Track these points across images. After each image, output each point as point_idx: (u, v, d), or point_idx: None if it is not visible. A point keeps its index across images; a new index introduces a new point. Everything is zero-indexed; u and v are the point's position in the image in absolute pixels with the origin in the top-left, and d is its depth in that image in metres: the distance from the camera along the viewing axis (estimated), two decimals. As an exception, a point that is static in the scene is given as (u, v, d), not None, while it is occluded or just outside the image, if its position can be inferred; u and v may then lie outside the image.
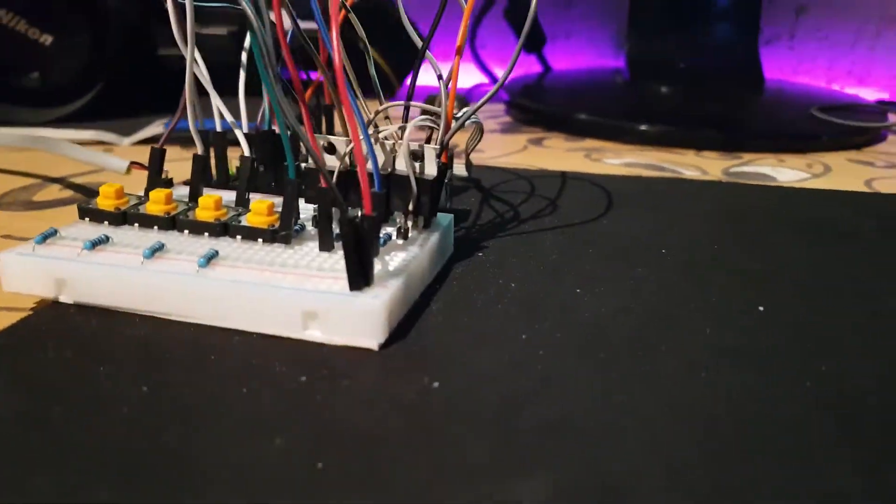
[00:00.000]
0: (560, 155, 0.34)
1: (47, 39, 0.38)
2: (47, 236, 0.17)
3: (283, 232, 0.17)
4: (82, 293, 0.16)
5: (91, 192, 0.26)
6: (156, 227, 0.18)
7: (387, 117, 0.20)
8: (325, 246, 0.17)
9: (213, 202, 0.18)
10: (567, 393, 0.14)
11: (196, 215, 0.18)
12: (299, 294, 0.15)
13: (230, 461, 0.12)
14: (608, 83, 0.48)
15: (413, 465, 0.12)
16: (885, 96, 0.51)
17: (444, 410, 0.13)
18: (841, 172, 0.32)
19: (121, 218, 0.18)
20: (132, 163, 0.22)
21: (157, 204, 0.18)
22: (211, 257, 0.16)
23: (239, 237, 0.17)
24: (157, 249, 0.17)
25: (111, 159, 0.23)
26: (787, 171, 0.32)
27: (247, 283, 0.15)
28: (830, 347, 0.16)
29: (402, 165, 0.18)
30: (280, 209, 0.17)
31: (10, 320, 0.16)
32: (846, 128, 0.38)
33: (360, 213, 0.15)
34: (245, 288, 0.15)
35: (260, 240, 0.17)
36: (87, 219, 0.18)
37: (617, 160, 0.33)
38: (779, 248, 0.22)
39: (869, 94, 0.50)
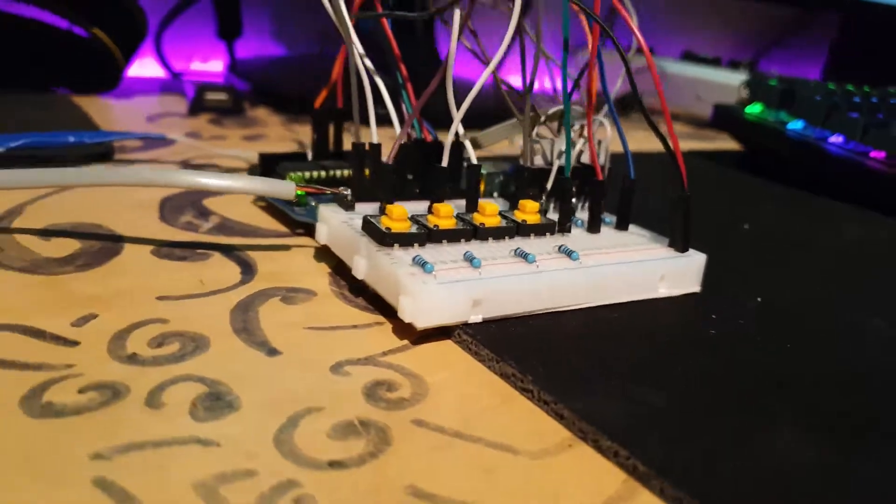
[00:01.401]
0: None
1: None
2: (423, 264, 0.16)
3: (568, 224, 0.20)
4: (492, 308, 0.17)
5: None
6: (462, 240, 0.19)
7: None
8: (595, 228, 0.21)
9: (490, 209, 0.19)
10: None
11: (481, 220, 0.19)
12: (655, 263, 0.19)
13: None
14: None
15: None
16: None
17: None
18: None
19: (426, 237, 0.18)
20: (298, 185, 0.20)
21: (444, 218, 0.19)
22: (569, 253, 0.19)
23: (526, 236, 0.20)
24: (524, 256, 0.18)
25: (276, 184, 0.19)
26: None
27: (626, 263, 0.19)
28: None
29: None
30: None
31: (455, 349, 0.16)
32: None
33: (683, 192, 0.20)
34: (627, 268, 0.19)
35: (547, 234, 0.20)
36: (395, 245, 0.18)
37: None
38: None
39: None
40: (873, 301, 0.22)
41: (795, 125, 0.39)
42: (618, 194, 0.21)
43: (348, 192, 0.20)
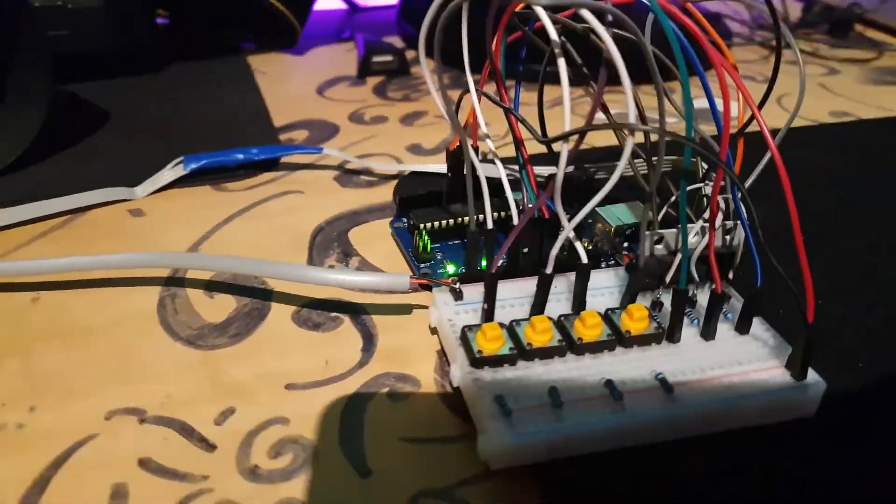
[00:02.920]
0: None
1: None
2: (503, 405, 0.18)
3: (677, 335, 0.20)
4: (572, 449, 0.18)
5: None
6: (555, 357, 0.19)
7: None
8: (709, 334, 0.20)
9: (592, 320, 0.19)
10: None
11: (581, 334, 0.19)
12: (764, 395, 0.19)
13: None
14: None
15: None
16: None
17: None
18: None
19: (518, 357, 0.19)
20: (411, 277, 0.21)
21: (540, 334, 0.19)
22: (666, 384, 0.18)
23: (628, 347, 0.20)
24: (612, 390, 0.18)
25: (389, 278, 0.21)
26: None
27: (730, 398, 0.18)
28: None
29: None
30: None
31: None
32: None
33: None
34: (729, 403, 0.18)
35: (653, 344, 0.20)
36: (485, 367, 0.19)
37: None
38: None
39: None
40: None
41: None
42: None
43: (458, 284, 0.21)
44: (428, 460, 0.18)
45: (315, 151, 0.30)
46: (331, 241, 0.27)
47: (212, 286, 0.24)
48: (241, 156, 0.30)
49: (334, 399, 0.20)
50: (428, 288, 0.22)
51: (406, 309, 0.23)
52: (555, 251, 0.19)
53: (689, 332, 0.20)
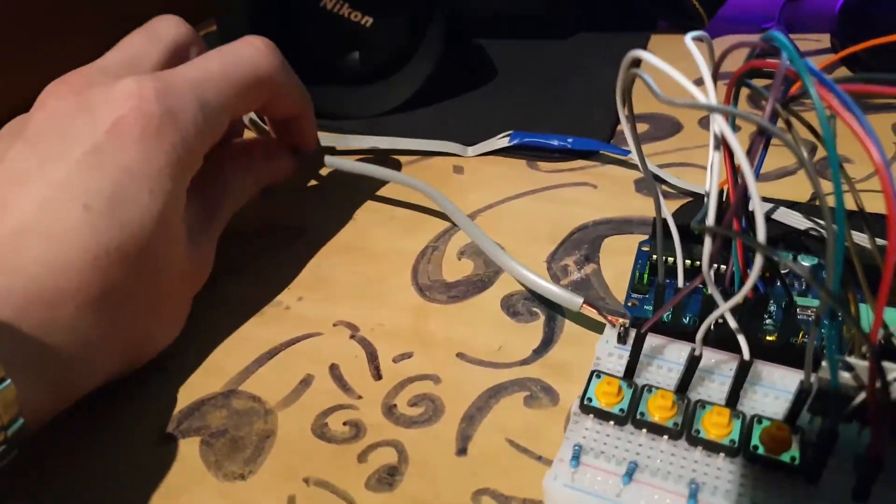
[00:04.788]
0: None
1: (368, 21, 0.37)
2: (576, 455, 0.18)
3: (817, 476, 0.17)
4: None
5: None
6: (665, 437, 0.19)
7: None
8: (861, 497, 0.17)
9: (720, 419, 0.18)
10: None
11: (708, 430, 0.18)
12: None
13: None
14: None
15: None
16: None
17: None
18: None
19: (626, 419, 0.19)
20: (584, 301, 0.22)
21: (661, 410, 0.19)
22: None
23: (750, 462, 0.18)
24: (691, 484, 0.17)
25: (564, 294, 0.23)
26: None
27: None
28: None
29: None
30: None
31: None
32: None
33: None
34: None
35: (781, 474, 0.18)
36: (591, 415, 0.19)
37: None
38: None
39: None
40: None
41: None
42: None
43: (625, 325, 0.21)
44: (514, 466, 0.20)
45: (622, 153, 0.31)
46: (583, 243, 0.28)
47: (465, 251, 0.28)
48: (556, 142, 0.33)
49: (483, 380, 0.23)
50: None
51: (598, 327, 0.24)
52: (701, 333, 0.18)
53: (840, 476, 0.17)
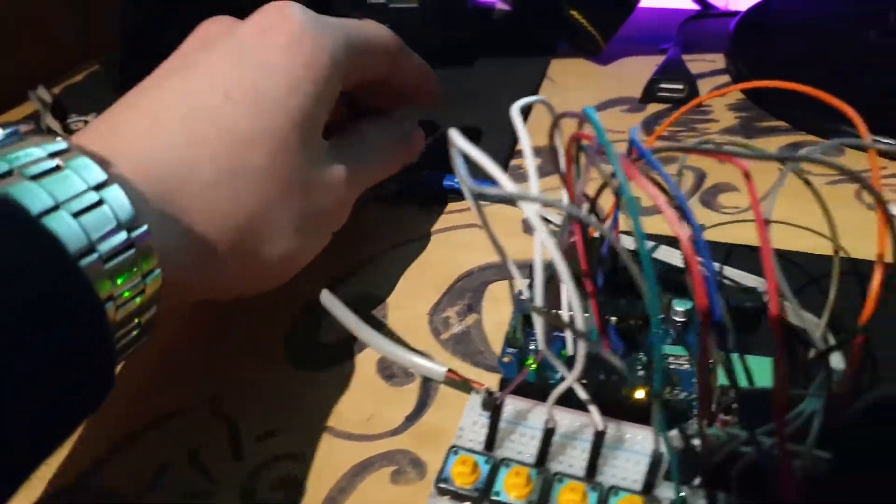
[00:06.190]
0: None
1: None
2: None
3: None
4: None
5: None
6: (520, 516, 0.18)
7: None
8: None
9: (573, 495, 0.17)
10: None
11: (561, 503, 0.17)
12: None
13: None
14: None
15: None
16: None
17: None
18: None
19: (480, 499, 0.18)
20: (449, 370, 0.21)
21: (516, 488, 0.18)
22: None
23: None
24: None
25: (427, 364, 0.22)
26: None
27: None
28: None
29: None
30: None
31: None
32: None
33: None
34: None
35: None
36: (447, 497, 0.18)
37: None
38: None
39: None
40: None
41: None
42: None
43: (489, 392, 0.20)
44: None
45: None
46: (467, 291, 0.27)
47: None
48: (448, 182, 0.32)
49: (350, 456, 0.22)
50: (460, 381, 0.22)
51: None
52: (550, 403, 0.18)
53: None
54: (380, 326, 0.26)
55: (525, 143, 0.15)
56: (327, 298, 0.24)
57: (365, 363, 0.25)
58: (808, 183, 0.17)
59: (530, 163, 0.15)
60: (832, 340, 0.20)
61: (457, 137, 0.14)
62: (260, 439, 0.22)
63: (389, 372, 0.24)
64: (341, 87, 0.25)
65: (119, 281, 0.17)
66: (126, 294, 0.17)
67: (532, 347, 0.23)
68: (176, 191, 0.20)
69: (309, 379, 0.24)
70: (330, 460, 0.22)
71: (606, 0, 0.42)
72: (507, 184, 0.14)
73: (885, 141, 0.31)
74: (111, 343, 0.17)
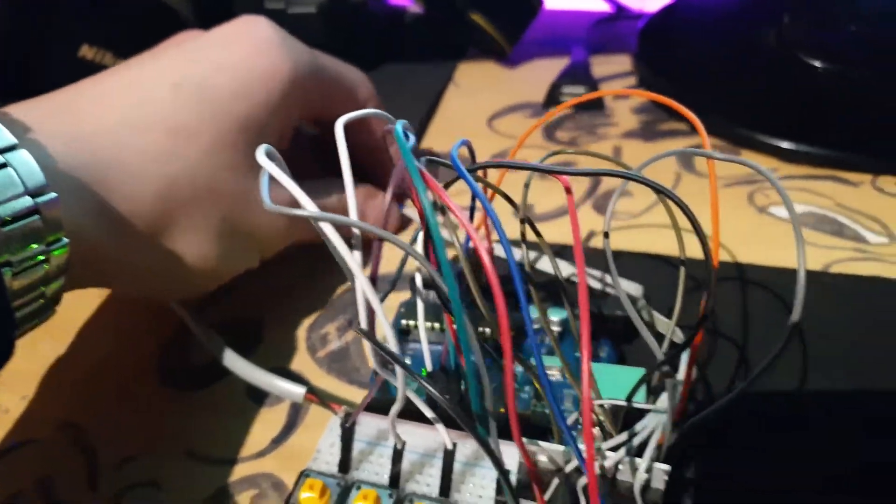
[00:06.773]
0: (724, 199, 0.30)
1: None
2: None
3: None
4: None
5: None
6: (369, 540, 0.17)
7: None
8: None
9: None
10: None
11: None
12: None
13: None
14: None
15: None
16: None
17: None
18: None
19: (328, 527, 0.17)
20: (308, 392, 0.21)
21: (362, 507, 0.17)
22: None
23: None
24: None
25: (285, 385, 0.21)
26: None
27: None
28: None
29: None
30: None
31: None
32: None
33: None
34: None
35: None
36: (297, 525, 0.18)
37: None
38: None
39: None
40: None
41: None
42: None
43: (345, 412, 0.20)
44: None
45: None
46: (349, 305, 0.27)
47: (221, 323, 0.26)
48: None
49: (211, 481, 0.21)
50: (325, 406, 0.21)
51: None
52: (392, 414, 0.17)
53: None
54: (255, 345, 0.25)
55: (344, 160, 0.15)
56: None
57: (235, 384, 0.24)
58: (658, 192, 0.16)
59: (348, 181, 0.15)
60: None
61: (263, 160, 0.14)
62: (118, 467, 0.21)
63: (260, 393, 0.23)
64: (302, 109, 0.25)
65: (17, 247, 0.17)
66: (28, 262, 0.17)
67: (409, 363, 0.23)
68: (103, 171, 0.20)
69: (177, 400, 0.23)
70: (192, 486, 0.21)
71: (509, 4, 0.42)
72: (308, 204, 0.13)
73: (720, 156, 0.31)
74: (8, 309, 0.17)
